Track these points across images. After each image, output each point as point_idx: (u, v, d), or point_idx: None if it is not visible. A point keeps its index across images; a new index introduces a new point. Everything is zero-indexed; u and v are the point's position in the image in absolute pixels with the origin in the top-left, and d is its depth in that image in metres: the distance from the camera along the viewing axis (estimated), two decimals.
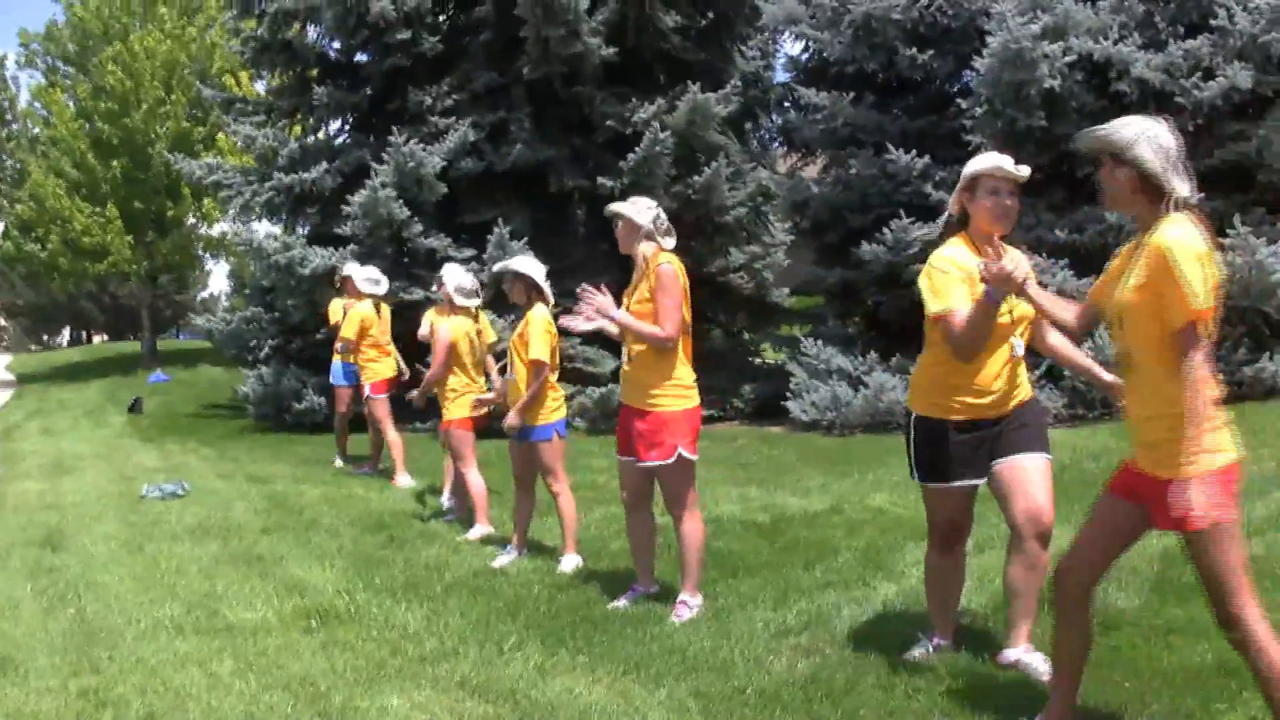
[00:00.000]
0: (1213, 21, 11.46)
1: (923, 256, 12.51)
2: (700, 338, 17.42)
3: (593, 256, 16.58)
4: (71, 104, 29.10)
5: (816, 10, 13.53)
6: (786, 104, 18.38)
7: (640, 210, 6.03)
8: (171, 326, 49.18)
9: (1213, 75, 11.33)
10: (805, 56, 15.37)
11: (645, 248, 5.99)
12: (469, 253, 15.50)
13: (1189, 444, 3.46)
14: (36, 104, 31.31)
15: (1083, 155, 11.66)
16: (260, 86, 26.07)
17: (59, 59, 31.07)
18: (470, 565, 7.38)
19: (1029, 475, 4.75)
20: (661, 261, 5.87)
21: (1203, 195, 3.83)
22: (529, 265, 7.47)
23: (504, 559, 7.47)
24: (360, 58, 17.47)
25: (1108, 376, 4.61)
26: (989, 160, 4.64)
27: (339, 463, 12.48)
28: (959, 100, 12.19)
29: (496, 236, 14.75)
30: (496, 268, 7.92)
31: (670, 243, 6.06)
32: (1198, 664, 4.56)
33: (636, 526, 6.40)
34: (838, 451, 11.60)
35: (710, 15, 16.62)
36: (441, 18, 16.90)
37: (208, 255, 34.68)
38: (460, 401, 8.55)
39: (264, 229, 21.49)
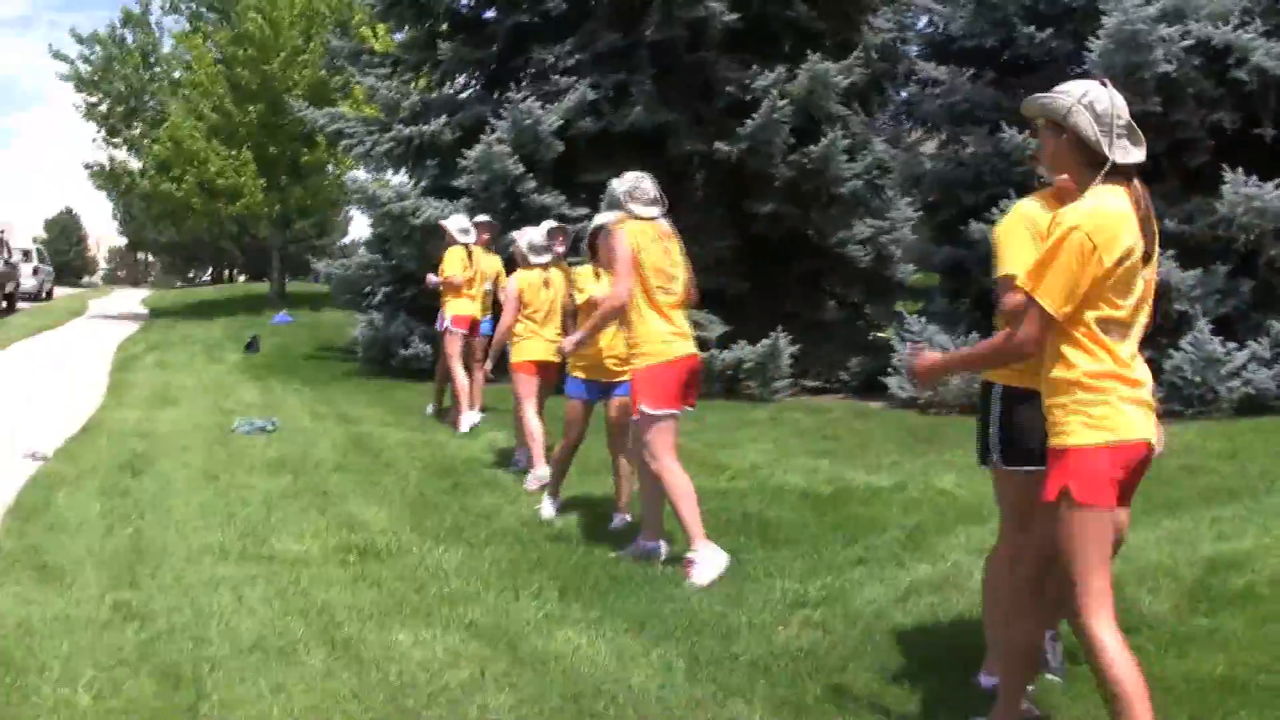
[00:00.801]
0: None
1: None
2: (816, 307, 17.39)
3: (710, 220, 16.53)
4: (212, 49, 29.77)
5: None
6: (911, 78, 18.03)
7: (616, 185, 6.41)
8: (309, 270, 50.24)
9: None
10: (930, 30, 15.07)
11: (609, 216, 6.41)
12: (582, 211, 15.52)
13: (1055, 415, 3.44)
14: (180, 48, 32.05)
15: (1193, 139, 11.48)
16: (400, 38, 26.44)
17: (203, 5, 31.79)
18: (520, 515, 7.46)
19: None
20: (617, 229, 6.20)
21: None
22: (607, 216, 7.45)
23: (545, 510, 7.49)
24: (488, 15, 17.55)
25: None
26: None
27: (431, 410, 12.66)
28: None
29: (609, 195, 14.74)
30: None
31: (651, 211, 6.34)
32: (1204, 676, 4.36)
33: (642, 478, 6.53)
34: (926, 430, 11.40)
35: None
36: None
37: (345, 203, 35.24)
38: (522, 346, 8.62)
39: (396, 180, 21.72)
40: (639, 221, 6.27)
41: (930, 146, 15.82)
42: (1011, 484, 4.06)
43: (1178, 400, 10.89)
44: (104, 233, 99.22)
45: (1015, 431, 3.97)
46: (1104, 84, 3.60)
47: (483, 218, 12.50)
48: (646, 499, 6.48)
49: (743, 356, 14.72)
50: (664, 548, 6.36)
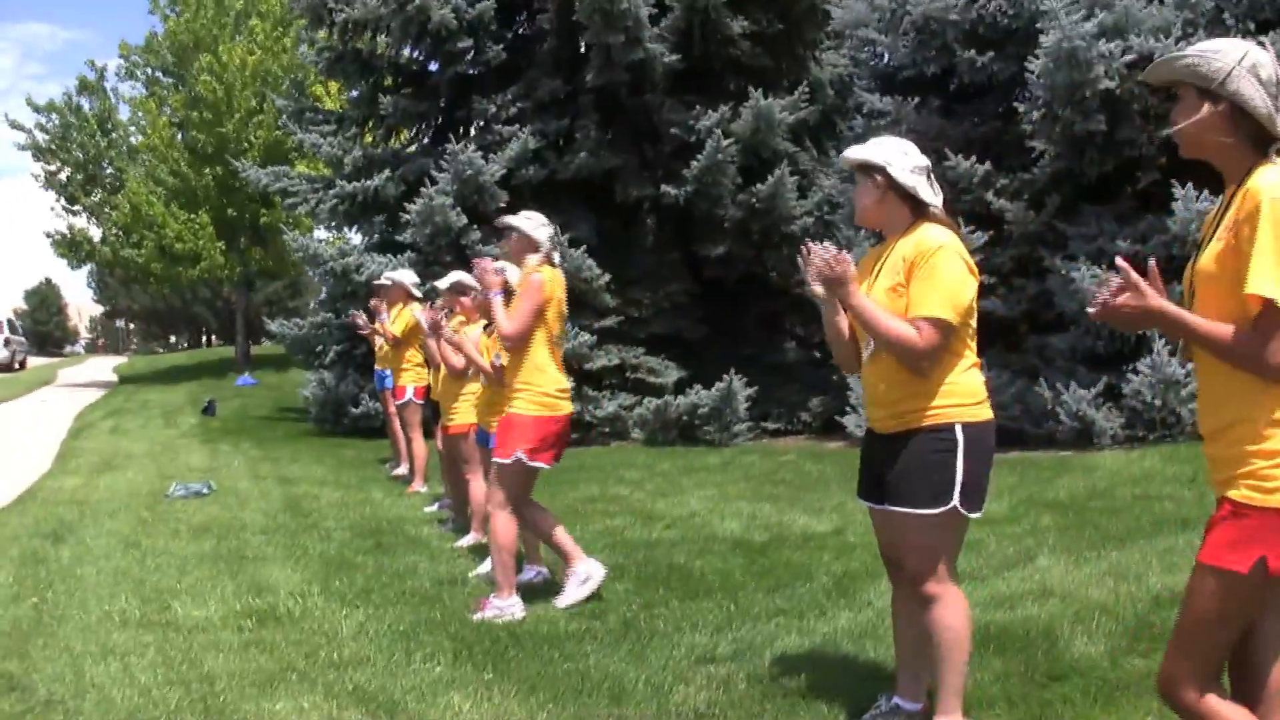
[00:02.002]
0: None
1: (983, 267, 12.07)
2: (775, 349, 17.21)
3: (663, 265, 16.41)
4: (167, 113, 29.65)
5: (878, 12, 13.11)
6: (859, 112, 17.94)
7: (536, 227, 6.27)
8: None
9: None
10: (872, 61, 14.94)
11: (531, 259, 6.22)
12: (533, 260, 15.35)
13: (1254, 465, 2.81)
14: (137, 113, 32.04)
15: (1142, 156, 11.33)
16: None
17: (159, 69, 31.74)
18: (435, 574, 7.18)
19: None
20: (537, 273, 6.10)
21: None
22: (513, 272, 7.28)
23: (484, 568, 7.27)
24: (431, 67, 17.46)
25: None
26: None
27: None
28: (1018, 105, 11.69)
29: (552, 243, 14.57)
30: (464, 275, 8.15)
31: (557, 258, 6.37)
32: None
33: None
34: None
35: (780, 21, 16.23)
36: (505, 27, 16.73)
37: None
38: (467, 408, 8.37)
39: (356, 239, 21.58)
40: (554, 269, 6.22)
41: None
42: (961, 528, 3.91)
43: (1140, 425, 10.67)
44: (83, 302, 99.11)
45: (976, 474, 3.81)
46: (1262, 44, 3.05)
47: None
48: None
49: (698, 401, 14.54)
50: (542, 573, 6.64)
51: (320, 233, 28.77)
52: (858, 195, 4.04)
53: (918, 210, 3.94)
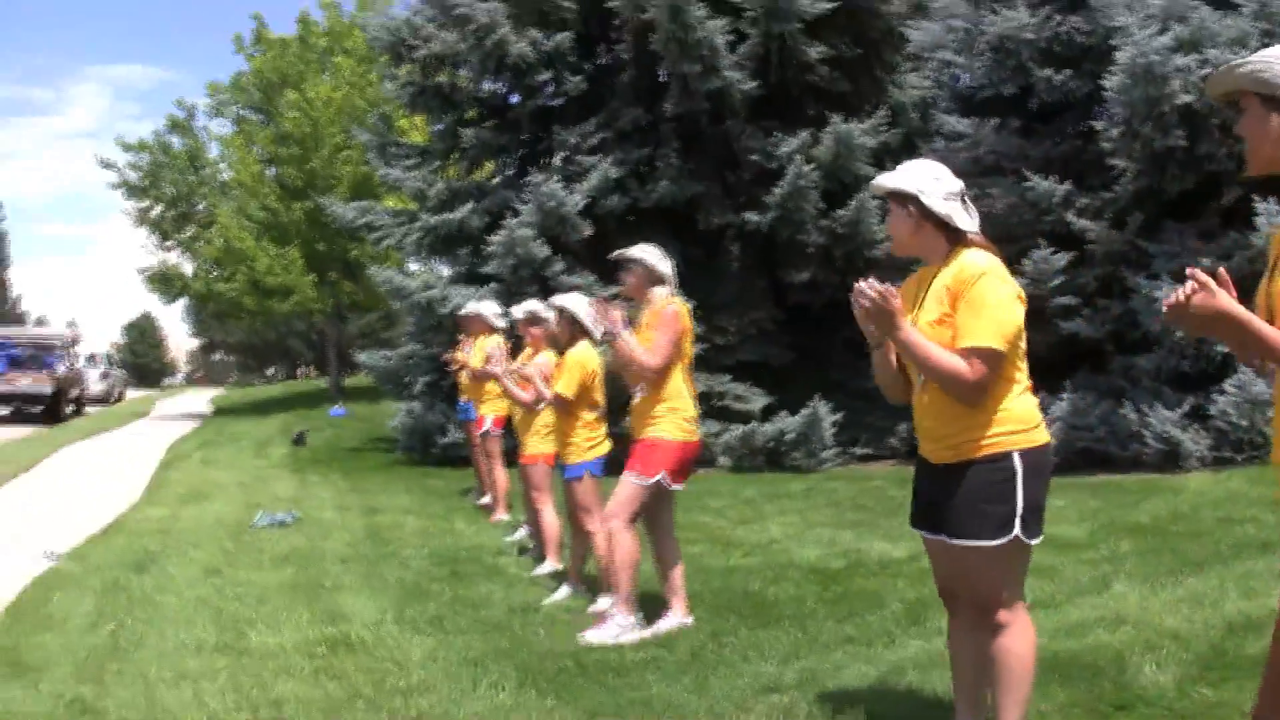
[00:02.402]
0: None
1: (1066, 288, 11.99)
2: (861, 374, 17.09)
3: (749, 291, 16.38)
4: (256, 150, 30.25)
5: (954, 34, 13.02)
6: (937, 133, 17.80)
7: (659, 259, 6.37)
8: None
9: None
10: (951, 83, 14.84)
11: (660, 292, 6.34)
12: (614, 289, 15.41)
13: None
14: (226, 150, 32.72)
15: (1224, 172, 11.09)
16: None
17: (246, 106, 32.37)
18: (509, 602, 7.21)
19: None
20: (670, 304, 6.24)
21: None
22: (574, 301, 7.32)
23: (559, 595, 7.32)
24: (512, 100, 17.61)
25: None
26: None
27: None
28: (1096, 123, 11.51)
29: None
30: (530, 304, 8.15)
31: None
32: None
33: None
34: None
35: (858, 45, 16.16)
36: (584, 58, 16.83)
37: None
38: (543, 437, 8.36)
39: (447, 271, 21.79)
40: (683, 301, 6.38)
41: None
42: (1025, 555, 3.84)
43: (1227, 446, 10.44)
44: (182, 335, 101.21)
45: (1036, 500, 3.74)
46: None
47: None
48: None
49: (784, 428, 14.49)
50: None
51: (413, 266, 29.27)
52: (892, 225, 3.98)
53: (954, 238, 3.86)
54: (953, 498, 3.76)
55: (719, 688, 5.08)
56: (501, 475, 11.21)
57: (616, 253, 6.56)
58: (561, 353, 7.39)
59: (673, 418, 6.16)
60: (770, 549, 8.69)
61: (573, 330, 7.22)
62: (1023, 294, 3.79)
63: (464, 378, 11.71)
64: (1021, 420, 3.73)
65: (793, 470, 14.02)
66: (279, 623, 6.80)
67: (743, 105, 15.52)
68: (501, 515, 11.05)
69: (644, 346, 6.13)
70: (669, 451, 6.12)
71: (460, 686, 5.29)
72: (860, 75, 16.49)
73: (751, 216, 15.29)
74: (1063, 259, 11.42)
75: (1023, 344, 3.76)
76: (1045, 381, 12.03)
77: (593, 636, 6.08)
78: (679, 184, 15.73)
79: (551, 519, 8.33)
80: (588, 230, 15.56)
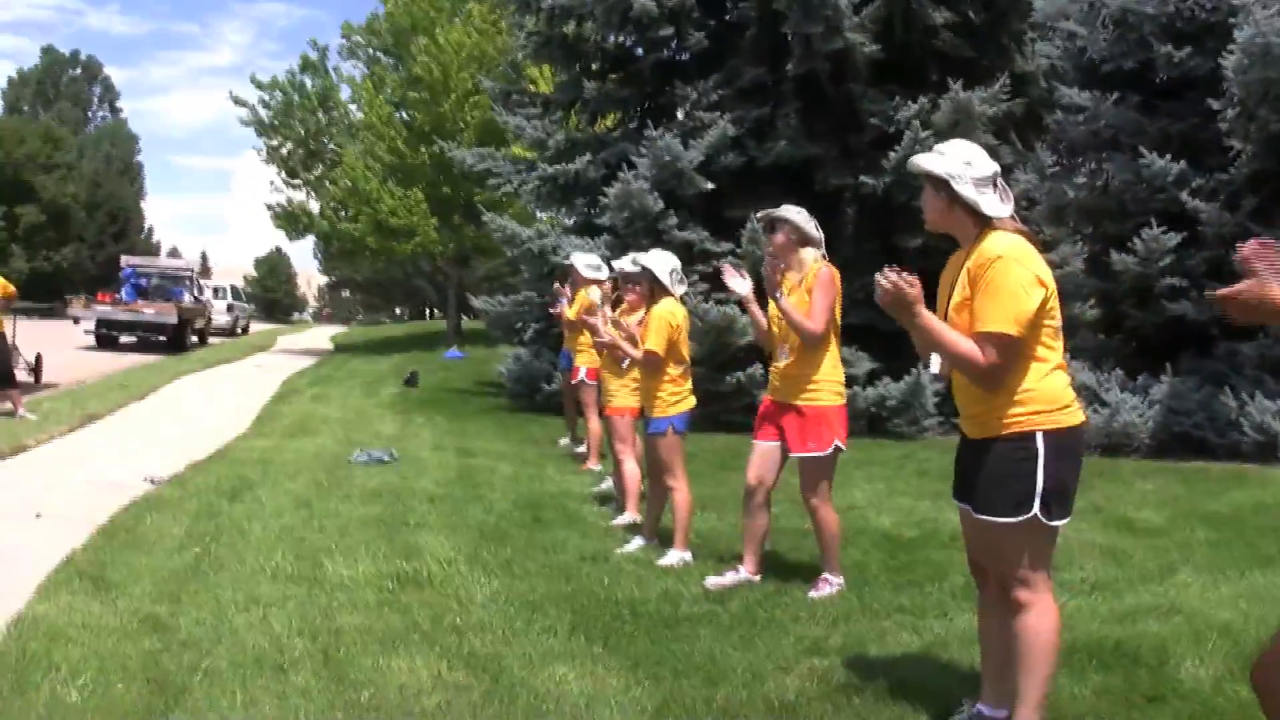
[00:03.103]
0: None
1: (1175, 269, 11.74)
2: None
3: (861, 255, 16.18)
4: (386, 92, 30.67)
5: (1078, 3, 12.75)
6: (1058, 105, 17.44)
7: (807, 220, 6.30)
8: None
9: None
10: (1075, 55, 14.52)
11: (808, 253, 6.28)
12: (726, 246, 15.42)
13: None
14: (356, 91, 33.19)
15: None
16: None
17: (379, 49, 32.80)
18: (582, 550, 7.32)
19: None
20: (825, 266, 6.22)
21: None
22: (655, 260, 7.35)
23: (631, 546, 7.40)
24: (637, 53, 17.63)
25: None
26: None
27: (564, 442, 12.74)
28: (1211, 102, 11.22)
29: (749, 231, 14.62)
30: (622, 262, 8.15)
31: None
32: None
33: (757, 511, 6.50)
34: None
35: (984, 11, 15.88)
36: (709, 14, 16.76)
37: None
38: (631, 391, 8.45)
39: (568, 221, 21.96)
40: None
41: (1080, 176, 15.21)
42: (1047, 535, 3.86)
43: None
44: (312, 271, 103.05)
45: (1060, 481, 3.77)
46: None
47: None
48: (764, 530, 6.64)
49: (885, 394, 14.40)
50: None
51: (541, 215, 29.51)
52: (926, 204, 4.06)
53: (982, 222, 3.90)
54: (979, 472, 3.82)
55: (764, 646, 5.15)
56: (595, 425, 11.33)
57: (764, 212, 6.52)
58: (646, 310, 7.43)
59: (831, 385, 6.24)
60: (848, 514, 8.61)
61: (653, 288, 7.26)
62: (1046, 275, 3.78)
63: (565, 326, 11.88)
64: (1049, 400, 3.74)
65: (895, 436, 13.93)
66: (356, 556, 7.00)
67: (865, 67, 15.32)
68: (593, 465, 11.20)
69: (800, 309, 6.11)
70: (836, 418, 6.22)
71: (514, 627, 5.44)
72: (985, 42, 16.17)
73: (868, 180, 15.13)
74: (1174, 239, 11.17)
75: (1054, 322, 3.75)
76: (1147, 363, 11.88)
77: (814, 595, 6.14)
78: (797, 144, 15.62)
79: (633, 471, 8.42)
80: (706, 186, 15.55)
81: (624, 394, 8.38)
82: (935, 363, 3.99)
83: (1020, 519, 3.71)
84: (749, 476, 6.43)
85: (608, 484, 9.78)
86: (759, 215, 6.70)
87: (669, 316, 7.14)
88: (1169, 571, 6.31)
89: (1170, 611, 5.38)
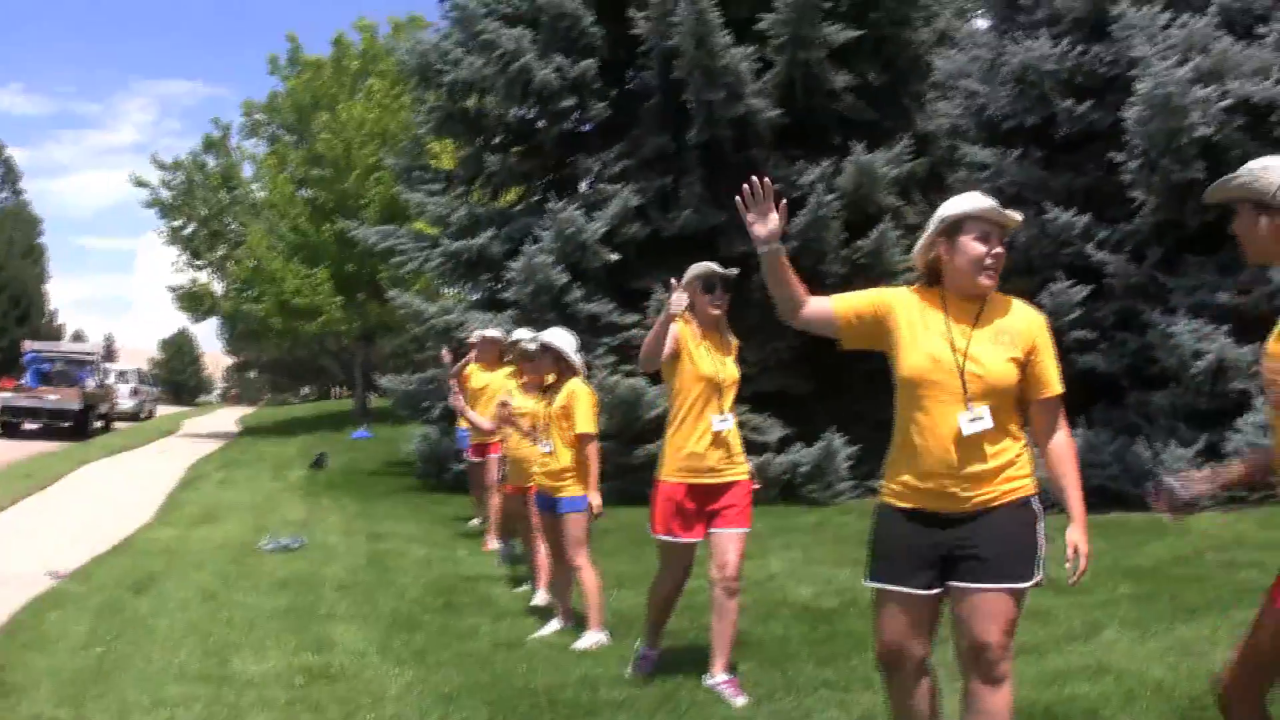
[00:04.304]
0: None
1: (1084, 321, 11.83)
2: (883, 405, 17.01)
3: (769, 321, 16.11)
4: (289, 170, 30.44)
5: (978, 62, 12.93)
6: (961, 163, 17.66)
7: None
8: None
9: None
10: (976, 113, 14.72)
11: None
12: (633, 317, 15.37)
13: None
14: (260, 169, 32.98)
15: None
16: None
17: (281, 126, 32.60)
18: (495, 636, 7.16)
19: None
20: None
21: None
22: (559, 337, 7.17)
23: (547, 630, 7.21)
24: (538, 126, 17.60)
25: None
26: (977, 201, 3.85)
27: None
28: (1112, 155, 11.38)
29: (655, 302, 14.56)
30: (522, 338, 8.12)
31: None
32: None
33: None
34: None
35: (884, 73, 16.08)
36: (609, 85, 16.80)
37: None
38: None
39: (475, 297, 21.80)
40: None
41: None
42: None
43: (1242, 485, 10.24)
44: (219, 353, 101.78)
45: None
46: None
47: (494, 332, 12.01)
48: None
49: (798, 460, 14.35)
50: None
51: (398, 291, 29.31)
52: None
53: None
54: (994, 541, 3.71)
55: None
56: (495, 502, 11.10)
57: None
58: (545, 389, 7.25)
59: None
60: (766, 586, 8.58)
61: (559, 366, 7.11)
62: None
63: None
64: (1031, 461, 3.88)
65: (808, 503, 13.87)
66: (264, 650, 6.79)
67: (767, 132, 15.44)
68: (494, 544, 10.95)
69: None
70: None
71: None
72: (887, 104, 16.38)
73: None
74: (1081, 292, 11.28)
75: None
76: (1069, 418, 11.92)
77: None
78: (701, 212, 15.63)
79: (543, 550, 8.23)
80: (610, 257, 15.50)
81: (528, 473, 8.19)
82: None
83: (1034, 582, 3.72)
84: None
85: (475, 522, 9.53)
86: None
87: (590, 394, 7.01)
88: (1095, 629, 6.27)
89: (1100, 671, 5.32)
